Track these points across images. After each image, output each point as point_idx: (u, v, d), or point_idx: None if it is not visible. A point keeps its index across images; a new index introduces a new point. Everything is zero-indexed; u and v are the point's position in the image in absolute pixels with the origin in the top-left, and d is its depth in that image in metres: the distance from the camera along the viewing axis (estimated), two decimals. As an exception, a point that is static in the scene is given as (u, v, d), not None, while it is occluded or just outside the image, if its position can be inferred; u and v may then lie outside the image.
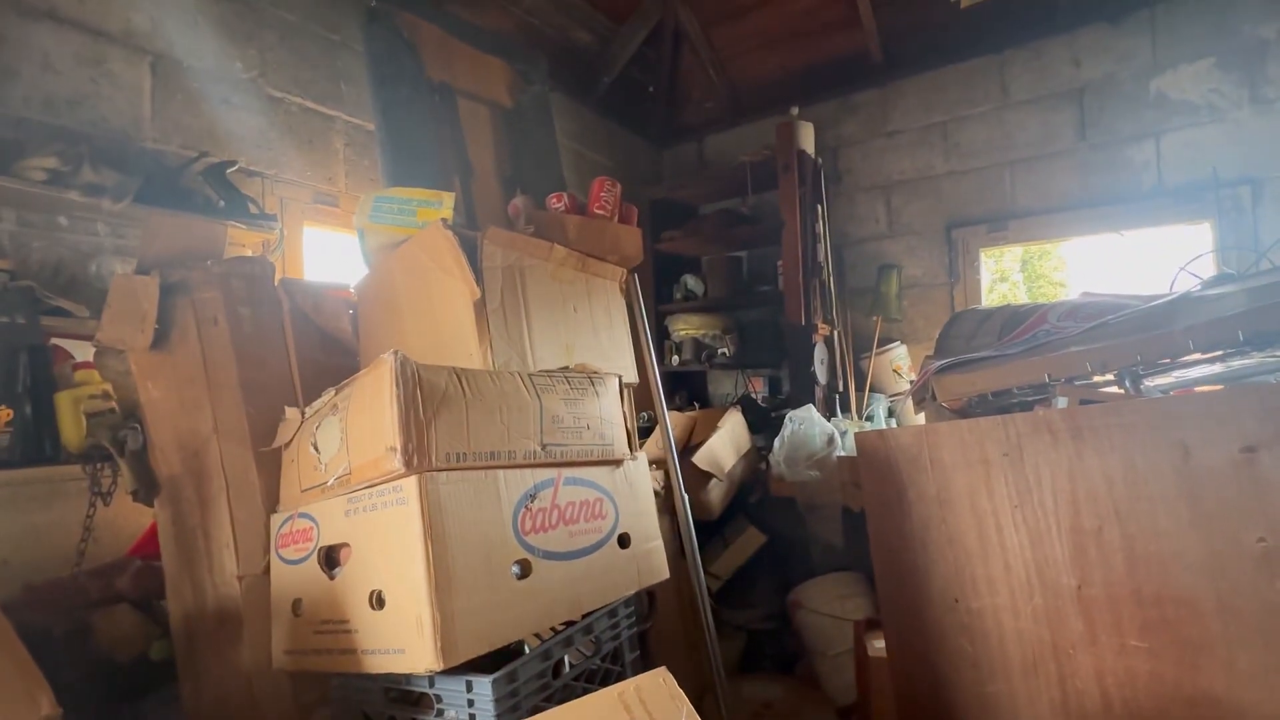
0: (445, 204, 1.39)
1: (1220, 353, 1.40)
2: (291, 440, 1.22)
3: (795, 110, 3.01)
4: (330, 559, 1.11)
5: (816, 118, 3.15)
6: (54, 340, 1.46)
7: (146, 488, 1.31)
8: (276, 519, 1.22)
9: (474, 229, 1.42)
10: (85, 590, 1.32)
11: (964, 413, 1.79)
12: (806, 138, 2.98)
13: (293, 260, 2.02)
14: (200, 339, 1.32)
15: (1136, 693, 1.17)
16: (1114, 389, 1.53)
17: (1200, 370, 1.51)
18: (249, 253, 1.77)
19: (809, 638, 2.15)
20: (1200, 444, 1.14)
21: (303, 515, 1.16)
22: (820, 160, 3.06)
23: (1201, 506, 1.13)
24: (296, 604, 1.13)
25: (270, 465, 1.26)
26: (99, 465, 1.38)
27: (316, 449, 1.14)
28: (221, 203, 1.70)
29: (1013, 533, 1.32)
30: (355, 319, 1.56)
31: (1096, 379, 1.55)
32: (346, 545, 1.07)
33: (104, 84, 1.69)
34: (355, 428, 1.06)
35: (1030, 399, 1.66)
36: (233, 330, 1.33)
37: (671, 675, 0.86)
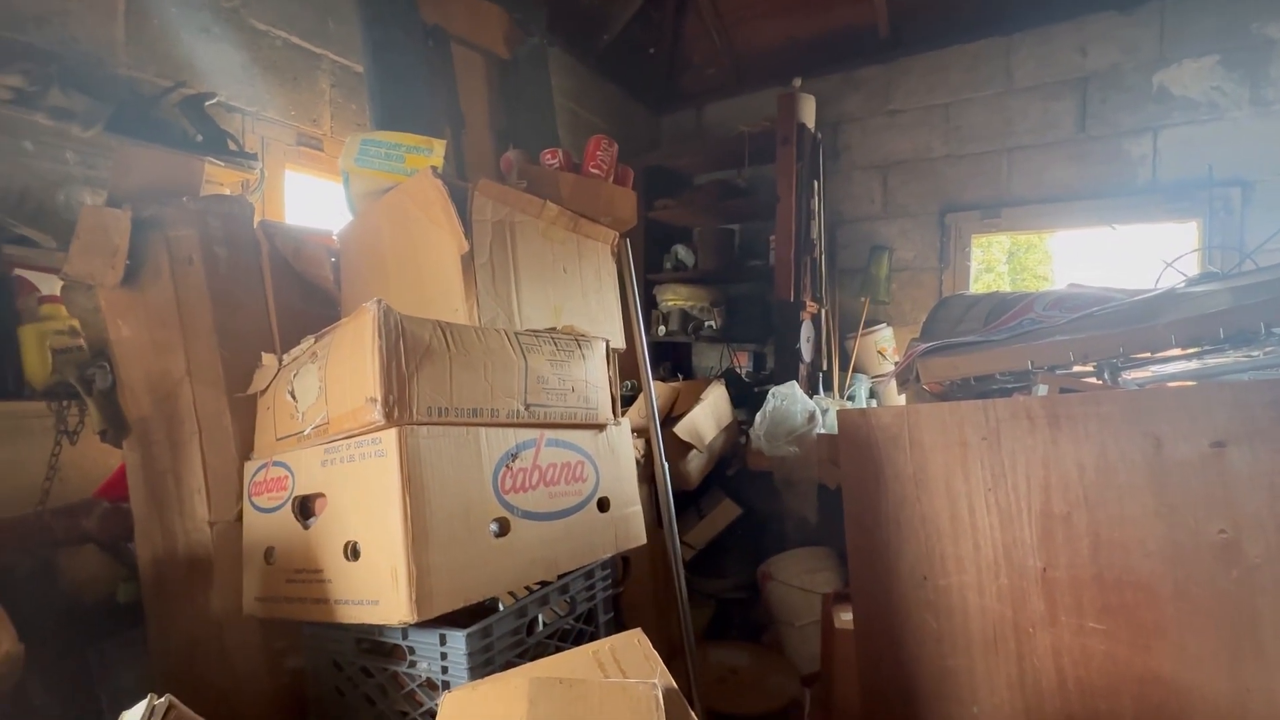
0: (436, 151, 1.34)
1: (1199, 349, 1.42)
2: (268, 387, 1.19)
3: (798, 82, 2.95)
4: (305, 508, 1.09)
5: (819, 91, 3.10)
6: (18, 271, 1.39)
7: (115, 428, 1.28)
8: (250, 466, 1.20)
9: (464, 181, 1.37)
10: (50, 529, 1.29)
11: (945, 396, 1.81)
12: (807, 111, 2.93)
13: (273, 203, 1.94)
14: (174, 278, 1.26)
15: (1090, 671, 1.22)
16: (1093, 380, 1.55)
17: (1177, 366, 1.53)
18: (227, 191, 1.70)
19: (777, 608, 2.20)
20: (1172, 437, 1.17)
21: (277, 464, 1.14)
22: (820, 135, 3.02)
23: (1167, 497, 1.16)
24: (269, 552, 1.12)
25: (245, 412, 1.23)
26: (65, 403, 1.34)
27: (294, 397, 1.11)
28: (199, 137, 1.62)
29: (985, 514, 1.35)
30: (337, 267, 1.51)
31: (1077, 369, 1.57)
32: (322, 495, 1.06)
33: (74, 1, 1.59)
34: (335, 377, 1.03)
35: (1011, 386, 1.68)
36: (208, 271, 1.27)
37: (646, 636, 0.86)
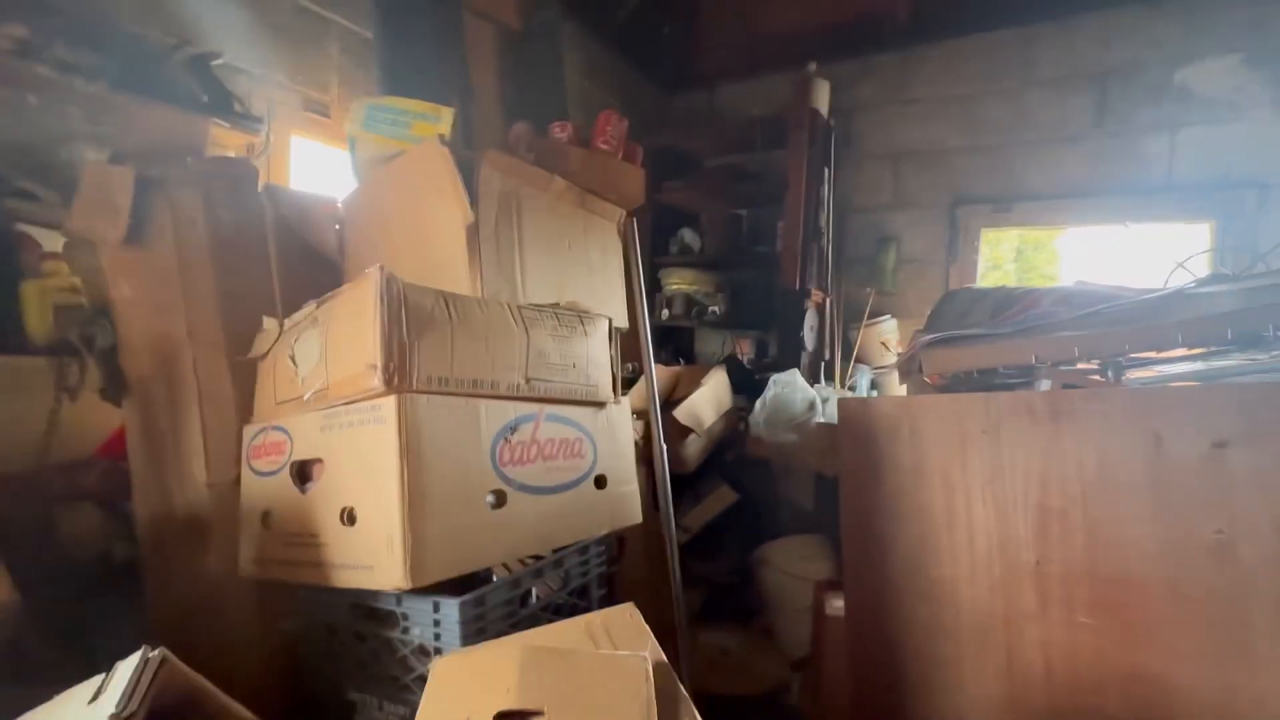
0: (443, 119, 1.32)
1: (1205, 350, 1.41)
2: (269, 352, 1.19)
3: (813, 66, 2.90)
4: (303, 473, 1.09)
5: (834, 77, 3.05)
6: (20, 226, 1.38)
7: (115, 387, 1.28)
8: (249, 430, 1.20)
9: (471, 151, 1.35)
10: (49, 485, 1.29)
11: (947, 389, 1.80)
12: (821, 97, 2.89)
13: (278, 169, 1.92)
14: (176, 240, 1.25)
15: (1078, 665, 1.23)
16: (1097, 377, 1.54)
17: (1182, 366, 1.52)
18: (231, 154, 1.68)
19: (770, 593, 2.21)
20: (1173, 436, 1.16)
21: (276, 428, 1.14)
22: (833, 122, 2.98)
23: (1165, 496, 1.16)
24: (266, 515, 1.12)
25: (245, 375, 1.23)
26: (66, 360, 1.33)
27: (294, 362, 1.11)
28: (204, 97, 1.59)
29: (981, 507, 1.35)
30: (341, 235, 1.50)
31: (1081, 366, 1.56)
32: (320, 461, 1.06)
33: (77, -48, 1.55)
34: (335, 343, 1.03)
35: (1014, 380, 1.67)
36: (211, 234, 1.26)
37: (638, 610, 0.87)
